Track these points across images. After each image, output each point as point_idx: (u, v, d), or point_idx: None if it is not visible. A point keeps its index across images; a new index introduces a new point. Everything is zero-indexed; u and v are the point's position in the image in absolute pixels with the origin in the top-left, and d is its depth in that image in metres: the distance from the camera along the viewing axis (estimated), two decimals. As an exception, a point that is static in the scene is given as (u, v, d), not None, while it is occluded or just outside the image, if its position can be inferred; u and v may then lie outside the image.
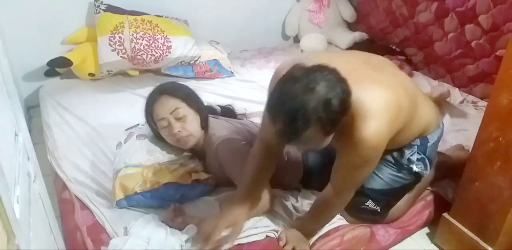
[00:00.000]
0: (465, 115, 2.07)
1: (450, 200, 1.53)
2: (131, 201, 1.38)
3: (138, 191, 1.37)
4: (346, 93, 0.97)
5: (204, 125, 1.49)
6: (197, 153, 1.54)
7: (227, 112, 1.71)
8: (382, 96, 1.09)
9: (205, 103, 1.68)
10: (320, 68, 0.98)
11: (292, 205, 1.43)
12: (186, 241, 1.25)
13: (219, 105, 1.73)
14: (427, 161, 1.36)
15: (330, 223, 1.38)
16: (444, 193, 1.56)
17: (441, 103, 2.10)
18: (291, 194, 1.49)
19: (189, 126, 1.44)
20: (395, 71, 1.29)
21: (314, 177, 1.51)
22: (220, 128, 1.48)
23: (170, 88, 1.50)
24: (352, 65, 1.15)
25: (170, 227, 1.30)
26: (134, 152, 1.48)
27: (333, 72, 0.98)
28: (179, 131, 1.42)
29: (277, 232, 1.34)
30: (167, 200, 1.39)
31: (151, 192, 1.38)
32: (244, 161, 1.33)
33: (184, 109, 1.44)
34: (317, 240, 1.35)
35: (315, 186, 1.48)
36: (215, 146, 1.41)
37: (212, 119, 1.54)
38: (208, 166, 1.50)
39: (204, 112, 1.51)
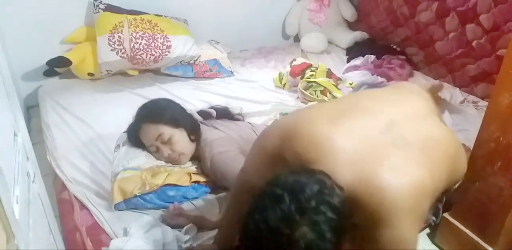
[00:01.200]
0: (463, 112, 2.07)
1: (452, 199, 1.52)
2: (130, 204, 1.37)
3: (137, 194, 1.36)
4: (335, 228, 0.74)
5: (194, 137, 1.49)
6: (195, 157, 1.54)
7: (223, 114, 1.70)
8: (397, 196, 0.80)
9: (200, 108, 1.68)
10: (304, 191, 0.74)
11: None
12: (186, 241, 1.25)
13: (214, 107, 1.71)
14: (440, 211, 1.14)
15: None
16: (445, 193, 1.56)
17: (436, 98, 2.09)
18: None
19: (177, 146, 1.46)
20: (426, 133, 0.93)
21: None
22: (211, 138, 1.48)
23: (149, 115, 1.49)
24: (366, 143, 0.85)
25: (169, 225, 1.30)
26: (132, 155, 1.48)
27: (320, 191, 0.75)
28: (169, 154, 1.45)
29: None
30: (167, 202, 1.38)
31: (150, 194, 1.37)
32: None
33: (168, 131, 1.45)
34: None
35: None
36: (209, 163, 1.42)
37: (203, 129, 1.53)
38: (205, 172, 1.50)
39: (190, 126, 1.51)
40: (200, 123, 1.57)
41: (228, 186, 1.41)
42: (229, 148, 1.43)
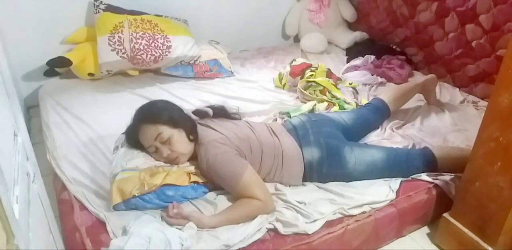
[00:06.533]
0: (463, 112, 2.07)
1: (453, 197, 1.52)
2: (129, 205, 1.37)
3: (136, 194, 1.36)
4: None
5: (193, 137, 1.50)
6: (193, 157, 1.54)
7: (220, 112, 1.69)
8: None
9: (196, 108, 1.68)
10: None
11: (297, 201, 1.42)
12: (187, 239, 1.25)
13: (210, 107, 1.70)
14: None
15: (332, 212, 1.39)
16: (448, 189, 1.55)
17: (432, 91, 2.10)
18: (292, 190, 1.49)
19: (176, 146, 1.46)
20: None
21: (315, 170, 1.52)
22: (207, 139, 1.48)
23: (148, 116, 1.49)
24: None
25: (169, 224, 1.30)
26: (131, 156, 1.48)
27: None
28: (168, 154, 1.45)
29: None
30: (166, 202, 1.38)
31: (149, 194, 1.37)
32: (238, 171, 1.36)
33: (167, 131, 1.45)
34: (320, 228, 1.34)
35: (318, 179, 1.52)
36: (205, 165, 1.42)
37: (199, 129, 1.53)
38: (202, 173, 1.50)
39: (188, 126, 1.51)
40: (196, 123, 1.57)
41: (225, 187, 1.42)
42: (225, 149, 1.43)
